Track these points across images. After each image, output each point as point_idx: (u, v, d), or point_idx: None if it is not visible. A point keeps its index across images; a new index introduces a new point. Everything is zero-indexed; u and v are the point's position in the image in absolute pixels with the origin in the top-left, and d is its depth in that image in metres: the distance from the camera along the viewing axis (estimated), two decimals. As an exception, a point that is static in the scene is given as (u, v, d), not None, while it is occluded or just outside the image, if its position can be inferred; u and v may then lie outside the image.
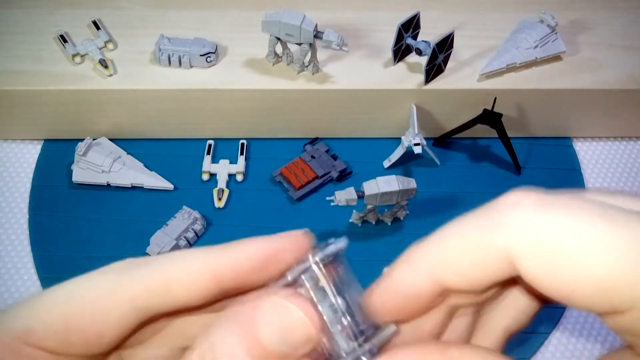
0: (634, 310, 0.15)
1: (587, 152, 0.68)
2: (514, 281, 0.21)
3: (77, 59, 0.62)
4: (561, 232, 0.16)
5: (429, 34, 0.62)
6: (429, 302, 0.20)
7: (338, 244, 0.22)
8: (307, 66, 0.62)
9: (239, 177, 0.63)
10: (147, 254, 0.56)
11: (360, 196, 0.55)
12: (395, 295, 0.20)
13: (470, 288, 0.19)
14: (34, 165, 0.64)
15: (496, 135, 0.62)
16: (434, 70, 0.61)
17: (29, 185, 0.62)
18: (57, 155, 0.64)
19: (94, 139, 0.63)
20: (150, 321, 0.21)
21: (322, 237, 0.21)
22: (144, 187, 0.62)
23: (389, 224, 0.60)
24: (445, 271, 0.19)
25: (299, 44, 0.59)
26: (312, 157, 0.63)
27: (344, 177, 0.64)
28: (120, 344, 0.20)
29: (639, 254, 0.15)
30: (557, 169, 0.66)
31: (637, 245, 0.15)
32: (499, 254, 0.18)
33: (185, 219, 0.58)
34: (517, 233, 0.17)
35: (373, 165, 0.65)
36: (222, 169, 0.63)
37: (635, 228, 0.15)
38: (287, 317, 0.19)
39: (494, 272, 0.18)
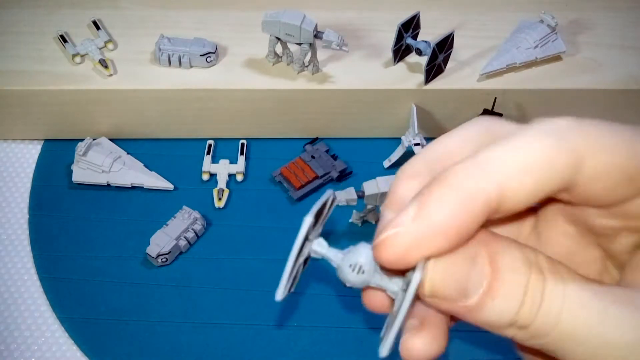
0: None
1: (587, 152, 0.68)
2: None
3: (77, 59, 0.62)
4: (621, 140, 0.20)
5: (429, 34, 0.62)
6: (481, 220, 0.20)
7: None
8: (307, 66, 0.62)
9: (239, 177, 0.63)
10: (147, 254, 0.56)
11: (360, 196, 0.55)
12: (453, 209, 0.20)
13: (532, 197, 0.20)
14: (34, 165, 0.64)
15: (496, 135, 0.62)
16: (434, 70, 0.61)
17: (29, 185, 0.62)
18: (57, 155, 0.64)
19: (94, 139, 0.63)
20: None
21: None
22: (144, 187, 0.62)
23: (389, 224, 0.60)
24: (516, 177, 0.20)
25: (299, 44, 0.59)
26: (312, 157, 0.63)
27: (344, 177, 0.64)
28: None
29: None
30: (557, 169, 0.66)
31: None
32: (570, 152, 0.20)
33: (185, 219, 0.58)
34: (588, 134, 0.20)
35: (373, 165, 0.65)
36: (222, 169, 0.63)
37: None
38: None
39: (561, 174, 0.20)
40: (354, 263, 0.22)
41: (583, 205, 0.23)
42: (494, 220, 0.22)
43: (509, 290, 0.20)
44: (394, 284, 0.22)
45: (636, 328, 0.19)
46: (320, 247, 0.23)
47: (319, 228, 0.24)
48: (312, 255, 0.23)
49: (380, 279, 0.22)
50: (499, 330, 0.21)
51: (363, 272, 0.22)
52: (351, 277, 0.22)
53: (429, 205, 0.20)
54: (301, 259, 0.23)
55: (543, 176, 0.20)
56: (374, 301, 0.24)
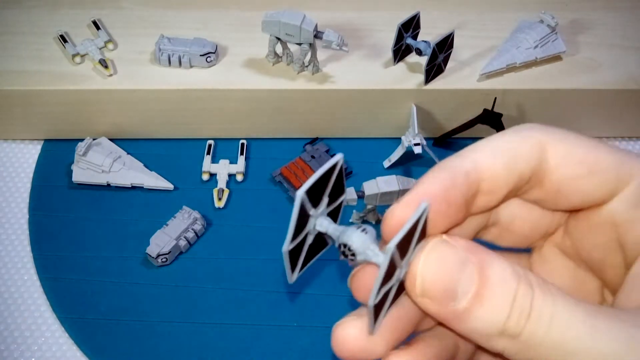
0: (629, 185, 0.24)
1: (587, 152, 0.68)
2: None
3: (77, 59, 0.62)
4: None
5: (429, 34, 0.63)
6: (466, 195, 0.24)
7: None
8: (307, 66, 0.62)
9: (239, 177, 0.63)
10: (147, 254, 0.56)
11: (360, 196, 0.55)
12: (443, 184, 0.24)
13: (505, 177, 0.25)
14: (34, 165, 0.64)
15: (496, 135, 0.62)
16: (434, 70, 0.61)
17: (29, 185, 0.62)
18: (57, 155, 0.64)
19: (94, 139, 0.63)
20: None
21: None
22: (144, 187, 0.62)
23: (389, 224, 0.60)
24: (487, 157, 0.25)
25: (299, 44, 0.59)
26: (312, 157, 0.63)
27: (344, 177, 0.63)
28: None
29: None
30: (557, 169, 0.66)
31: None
32: (533, 142, 0.24)
33: (185, 219, 0.58)
34: (550, 131, 0.25)
35: (373, 165, 0.65)
36: (222, 169, 0.63)
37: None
38: None
39: (526, 158, 0.25)
40: (359, 226, 0.24)
41: (558, 209, 0.27)
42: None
43: (497, 298, 0.21)
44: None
45: (625, 339, 0.20)
46: (325, 221, 0.25)
47: (328, 202, 0.25)
48: (317, 227, 0.24)
49: (377, 252, 0.24)
50: (490, 342, 0.21)
51: (366, 233, 0.24)
52: (355, 235, 0.24)
53: (419, 181, 0.24)
54: (304, 232, 0.24)
55: (511, 157, 0.25)
56: (362, 281, 0.25)
